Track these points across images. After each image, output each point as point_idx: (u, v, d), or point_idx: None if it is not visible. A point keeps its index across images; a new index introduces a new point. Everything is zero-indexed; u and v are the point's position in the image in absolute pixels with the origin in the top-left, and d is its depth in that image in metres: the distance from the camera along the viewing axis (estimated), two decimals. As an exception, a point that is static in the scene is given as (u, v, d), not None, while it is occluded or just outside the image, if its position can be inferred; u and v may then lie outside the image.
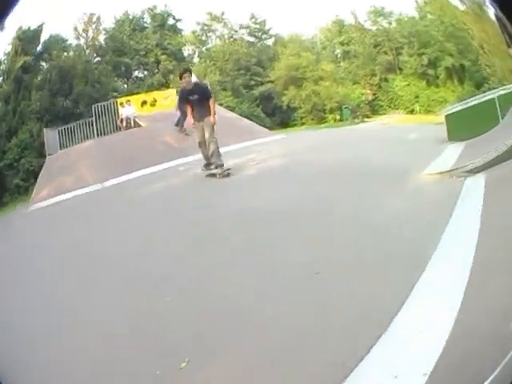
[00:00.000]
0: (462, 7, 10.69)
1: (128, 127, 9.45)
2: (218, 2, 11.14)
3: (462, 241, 3.22)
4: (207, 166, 6.70)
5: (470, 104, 7.29)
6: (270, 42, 12.17)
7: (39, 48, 10.31)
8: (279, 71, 11.41)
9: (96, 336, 2.69)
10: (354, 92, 11.43)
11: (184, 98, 6.64)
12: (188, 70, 6.76)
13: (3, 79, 9.48)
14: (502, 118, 6.45)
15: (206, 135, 6.37)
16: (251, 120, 9.61)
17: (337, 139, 8.98)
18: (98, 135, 9.47)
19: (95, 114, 9.57)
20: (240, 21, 11.71)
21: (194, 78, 6.89)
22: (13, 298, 3.50)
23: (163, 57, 11.15)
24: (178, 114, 8.22)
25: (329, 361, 2.08)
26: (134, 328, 2.72)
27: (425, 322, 2.28)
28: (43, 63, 10.62)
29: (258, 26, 11.62)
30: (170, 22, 11.58)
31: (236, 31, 11.57)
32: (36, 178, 8.62)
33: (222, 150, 6.55)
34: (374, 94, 11.43)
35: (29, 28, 9.80)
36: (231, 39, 11.56)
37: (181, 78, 6.63)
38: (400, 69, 11.88)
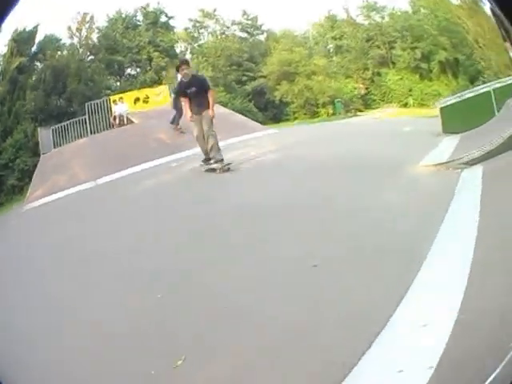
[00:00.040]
0: (456, 1, 10.73)
1: (121, 124, 9.44)
2: (210, -2, 11.19)
3: (460, 234, 3.21)
4: (206, 160, 6.55)
5: (465, 97, 7.34)
6: (262, 37, 12.16)
7: (34, 48, 10.34)
8: (271, 66, 11.37)
9: (93, 336, 2.69)
10: (347, 86, 11.43)
11: (182, 91, 6.47)
12: (185, 62, 6.68)
13: (-1, 80, 9.51)
14: (498, 111, 6.50)
15: (205, 128, 6.22)
16: (244, 115, 9.63)
17: (331, 133, 8.98)
18: (91, 133, 9.48)
19: (88, 112, 9.57)
20: (232, 17, 11.77)
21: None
22: (11, 297, 3.52)
23: (156, 54, 11.16)
24: (173, 111, 8.22)
25: (329, 358, 2.07)
26: (133, 327, 2.72)
27: (425, 316, 2.26)
28: (38, 63, 10.64)
29: (250, 22, 11.64)
30: (163, 19, 11.62)
31: (228, 27, 11.60)
32: (31, 177, 8.64)
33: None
34: (366, 88, 11.46)
35: (24, 29, 9.84)
36: (223, 35, 11.59)
37: (178, 70, 6.49)
38: (393, 63, 11.90)
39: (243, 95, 10.95)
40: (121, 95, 9.90)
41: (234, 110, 9.85)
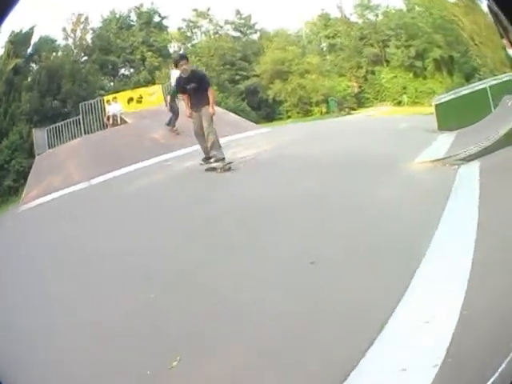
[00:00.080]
0: (452, -1, 10.74)
1: (114, 124, 9.47)
2: (204, -2, 11.22)
3: (459, 230, 3.16)
4: (206, 159, 6.30)
5: (460, 94, 7.31)
6: (255, 36, 12.25)
7: (30, 50, 10.39)
8: (265, 65, 11.40)
9: (91, 335, 2.65)
10: (340, 85, 11.47)
11: (181, 87, 6.19)
12: (184, 57, 6.28)
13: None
14: (495, 107, 6.47)
15: (205, 125, 5.97)
16: (237, 114, 9.64)
17: (325, 131, 8.92)
18: (85, 133, 9.51)
19: (82, 113, 9.61)
20: (225, 16, 11.81)
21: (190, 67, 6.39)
22: (9, 297, 3.47)
23: (149, 54, 11.21)
24: (168, 112, 8.22)
25: (329, 358, 2.02)
26: (128, 327, 2.67)
27: (426, 314, 2.21)
28: (33, 65, 10.69)
29: (243, 21, 11.69)
30: (156, 19, 11.66)
31: (221, 27, 11.65)
32: (26, 178, 8.66)
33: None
34: (360, 87, 11.48)
35: (20, 31, 9.89)
36: (216, 35, 11.61)
37: (176, 66, 6.16)
38: (387, 61, 11.93)
39: (236, 94, 11.00)
40: (114, 95, 9.95)
41: (227, 109, 9.84)
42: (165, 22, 11.73)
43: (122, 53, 11.33)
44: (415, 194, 4.17)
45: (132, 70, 11.49)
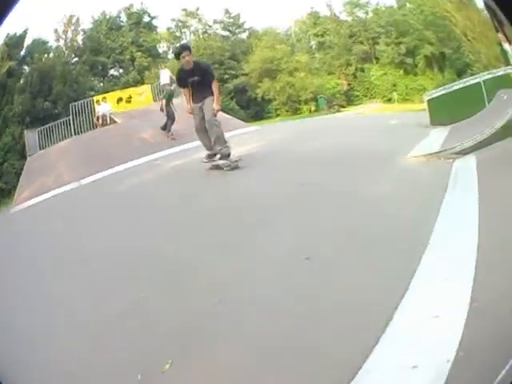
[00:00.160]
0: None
1: (104, 124, 9.50)
2: (193, -2, 11.25)
3: (461, 222, 3.12)
4: (210, 156, 5.77)
5: (453, 89, 7.23)
6: (244, 35, 12.27)
7: (23, 52, 10.43)
8: (253, 64, 11.35)
9: (90, 336, 2.62)
10: (329, 82, 11.46)
11: (183, 80, 5.59)
12: (187, 48, 5.61)
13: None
14: (489, 102, 6.41)
15: (207, 117, 5.37)
16: (226, 113, 9.66)
17: (315, 129, 8.90)
18: (75, 134, 9.55)
19: (72, 113, 9.64)
20: (214, 16, 11.83)
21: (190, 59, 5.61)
22: (8, 297, 3.47)
23: (138, 54, 11.24)
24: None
25: (334, 357, 1.95)
26: (122, 327, 2.64)
27: (434, 309, 2.14)
28: (26, 67, 10.73)
29: (232, 20, 11.72)
30: (146, 19, 11.69)
31: (210, 26, 11.67)
32: (19, 179, 8.70)
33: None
34: (349, 84, 11.50)
35: (15, 33, 9.93)
36: (205, 34, 11.64)
37: (178, 58, 5.53)
38: (376, 58, 11.93)
39: (225, 93, 10.95)
40: (104, 95, 9.97)
41: (216, 108, 9.86)
42: (154, 22, 11.81)
43: (112, 53, 11.35)
44: (412, 187, 4.11)
45: (121, 71, 11.51)
